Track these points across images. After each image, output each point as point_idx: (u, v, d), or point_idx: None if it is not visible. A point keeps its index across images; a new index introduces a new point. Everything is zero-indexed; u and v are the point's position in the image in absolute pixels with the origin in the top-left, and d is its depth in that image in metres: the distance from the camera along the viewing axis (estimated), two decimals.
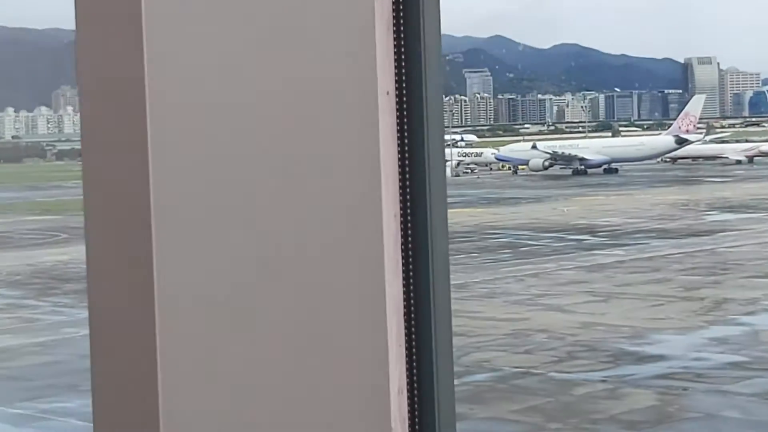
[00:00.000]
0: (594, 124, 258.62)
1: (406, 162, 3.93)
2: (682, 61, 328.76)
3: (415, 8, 3.92)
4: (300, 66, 3.88)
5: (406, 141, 3.93)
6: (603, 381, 32.01)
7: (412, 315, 3.93)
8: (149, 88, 3.92)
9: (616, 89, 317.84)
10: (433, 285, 3.95)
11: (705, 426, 26.56)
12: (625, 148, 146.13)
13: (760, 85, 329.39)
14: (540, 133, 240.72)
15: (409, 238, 3.92)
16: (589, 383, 31.89)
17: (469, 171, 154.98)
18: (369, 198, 3.82)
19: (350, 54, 3.84)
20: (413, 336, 3.93)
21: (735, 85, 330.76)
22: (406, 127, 3.93)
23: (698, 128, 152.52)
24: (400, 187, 3.92)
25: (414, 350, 3.93)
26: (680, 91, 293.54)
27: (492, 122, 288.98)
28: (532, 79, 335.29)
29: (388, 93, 3.88)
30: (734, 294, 43.80)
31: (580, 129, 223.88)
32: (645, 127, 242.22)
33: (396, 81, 3.93)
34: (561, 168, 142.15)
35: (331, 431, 3.86)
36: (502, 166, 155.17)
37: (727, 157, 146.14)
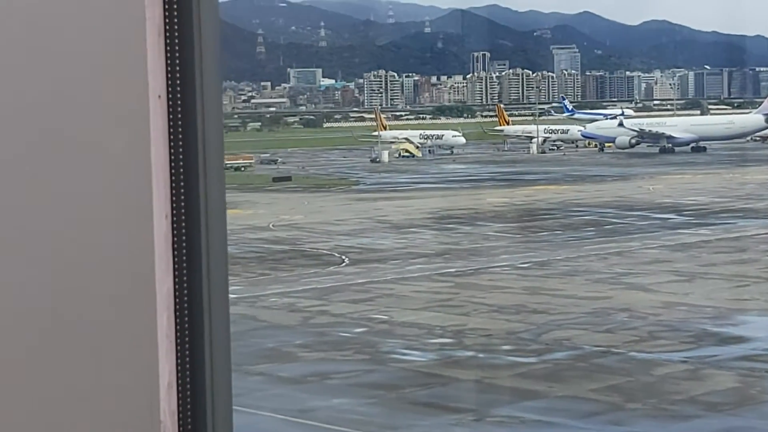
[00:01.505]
0: (683, 101, 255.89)
1: (181, 164, 3.98)
2: None
3: (188, 14, 3.98)
4: (69, 69, 3.91)
5: (180, 144, 3.99)
6: (684, 362, 31.71)
7: (186, 312, 3.99)
8: None
9: (706, 66, 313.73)
10: (208, 282, 4.01)
11: None
12: (714, 126, 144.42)
13: None
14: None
15: (183, 238, 3.98)
16: (670, 363, 31.61)
17: (555, 148, 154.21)
18: (139, 200, 3.88)
19: (121, 58, 3.88)
20: (186, 332, 4.00)
21: None
22: (180, 130, 3.98)
23: None
24: (173, 189, 3.97)
25: (187, 346, 4.00)
26: None
27: (579, 99, 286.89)
28: (621, 56, 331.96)
29: (159, 97, 3.94)
30: None
31: (669, 106, 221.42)
32: (735, 105, 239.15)
33: (169, 85, 3.98)
34: (648, 146, 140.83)
35: (102, 426, 3.92)
36: (588, 144, 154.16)
37: None
